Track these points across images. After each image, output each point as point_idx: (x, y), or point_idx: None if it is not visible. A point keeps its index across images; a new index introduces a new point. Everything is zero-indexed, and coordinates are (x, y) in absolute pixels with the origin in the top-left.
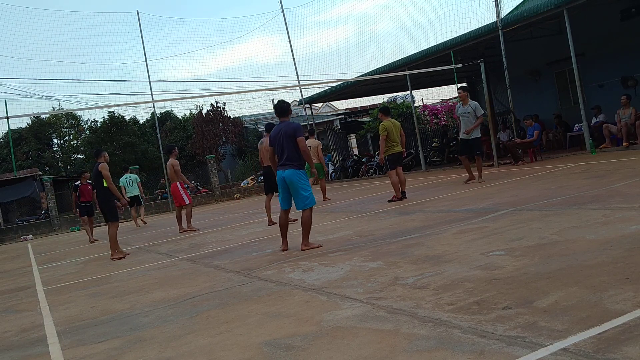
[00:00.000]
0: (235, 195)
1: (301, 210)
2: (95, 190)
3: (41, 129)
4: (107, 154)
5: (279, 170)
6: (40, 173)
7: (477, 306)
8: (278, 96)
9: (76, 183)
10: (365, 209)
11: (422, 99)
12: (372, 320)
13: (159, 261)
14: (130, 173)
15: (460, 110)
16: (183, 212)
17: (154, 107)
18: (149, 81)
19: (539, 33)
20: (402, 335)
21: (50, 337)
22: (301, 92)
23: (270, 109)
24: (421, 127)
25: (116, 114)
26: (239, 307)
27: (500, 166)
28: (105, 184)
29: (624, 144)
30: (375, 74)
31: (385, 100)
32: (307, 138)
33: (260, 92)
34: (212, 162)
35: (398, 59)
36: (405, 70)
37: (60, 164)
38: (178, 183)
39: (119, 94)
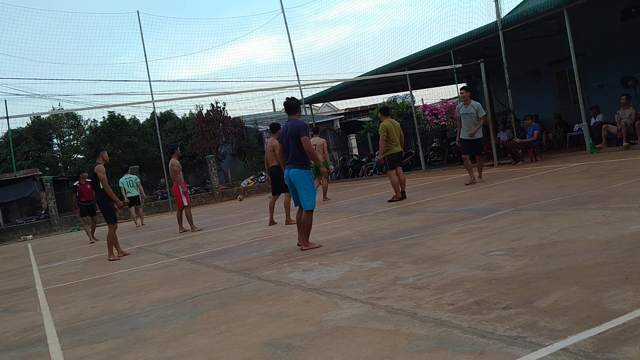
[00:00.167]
0: (239, 197)
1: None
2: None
3: (41, 129)
4: (106, 154)
5: (286, 168)
6: (40, 173)
7: (477, 306)
8: (278, 96)
9: (75, 184)
10: (365, 209)
11: (422, 99)
12: (372, 320)
13: (159, 261)
14: (130, 174)
15: (462, 110)
16: (183, 212)
17: (154, 107)
18: (149, 81)
19: (539, 33)
20: (402, 335)
21: (50, 337)
22: (301, 92)
23: (270, 109)
24: (421, 127)
25: (116, 114)
26: (239, 307)
27: (500, 166)
28: (101, 186)
29: (624, 144)
30: (375, 74)
31: (385, 100)
32: (311, 136)
33: (260, 92)
34: (212, 162)
35: (398, 59)
36: (405, 70)
37: (60, 164)
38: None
39: (119, 94)
